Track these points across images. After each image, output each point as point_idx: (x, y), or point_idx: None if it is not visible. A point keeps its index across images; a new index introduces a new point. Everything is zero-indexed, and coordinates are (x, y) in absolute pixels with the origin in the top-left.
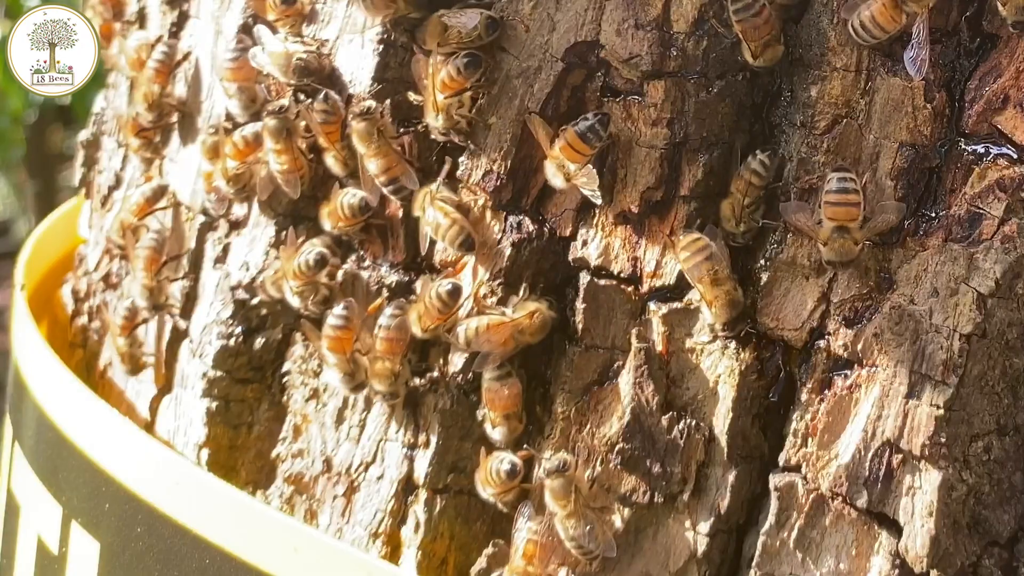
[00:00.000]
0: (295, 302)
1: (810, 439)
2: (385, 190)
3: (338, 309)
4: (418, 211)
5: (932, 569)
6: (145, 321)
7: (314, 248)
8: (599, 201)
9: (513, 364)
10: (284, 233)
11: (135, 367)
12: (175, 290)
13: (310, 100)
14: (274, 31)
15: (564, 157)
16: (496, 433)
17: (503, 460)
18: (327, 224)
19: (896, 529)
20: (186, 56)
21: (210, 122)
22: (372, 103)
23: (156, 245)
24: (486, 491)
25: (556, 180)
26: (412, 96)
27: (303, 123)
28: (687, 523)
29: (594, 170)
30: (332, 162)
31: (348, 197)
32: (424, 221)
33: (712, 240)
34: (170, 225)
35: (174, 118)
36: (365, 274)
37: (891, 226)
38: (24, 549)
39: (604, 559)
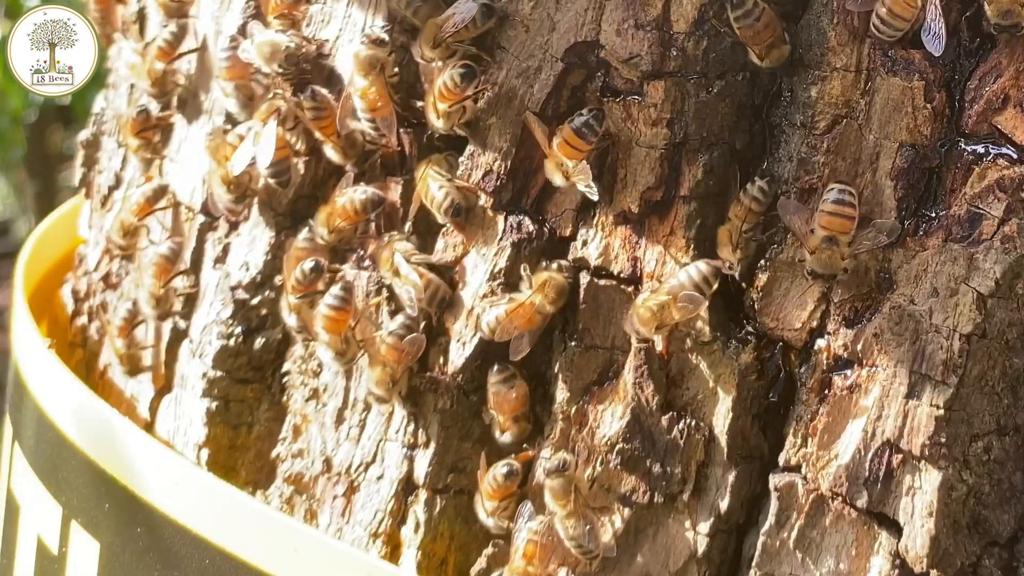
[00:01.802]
0: (291, 321)
1: (810, 439)
2: (366, 124)
3: (336, 289)
4: (419, 185)
5: (932, 569)
6: (143, 321)
7: (309, 258)
8: (595, 196)
9: (515, 364)
10: (284, 234)
11: (134, 368)
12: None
13: (300, 97)
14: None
15: (562, 155)
16: (506, 437)
17: (500, 464)
18: (322, 229)
19: (896, 529)
20: (190, 51)
21: (211, 123)
22: (387, 37)
23: (170, 255)
24: (487, 505)
25: (556, 179)
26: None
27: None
28: (687, 523)
29: (587, 165)
30: (332, 152)
31: (357, 193)
32: (418, 192)
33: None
34: (170, 226)
35: (175, 105)
36: (364, 274)
37: (880, 245)
38: (24, 549)
39: (604, 559)
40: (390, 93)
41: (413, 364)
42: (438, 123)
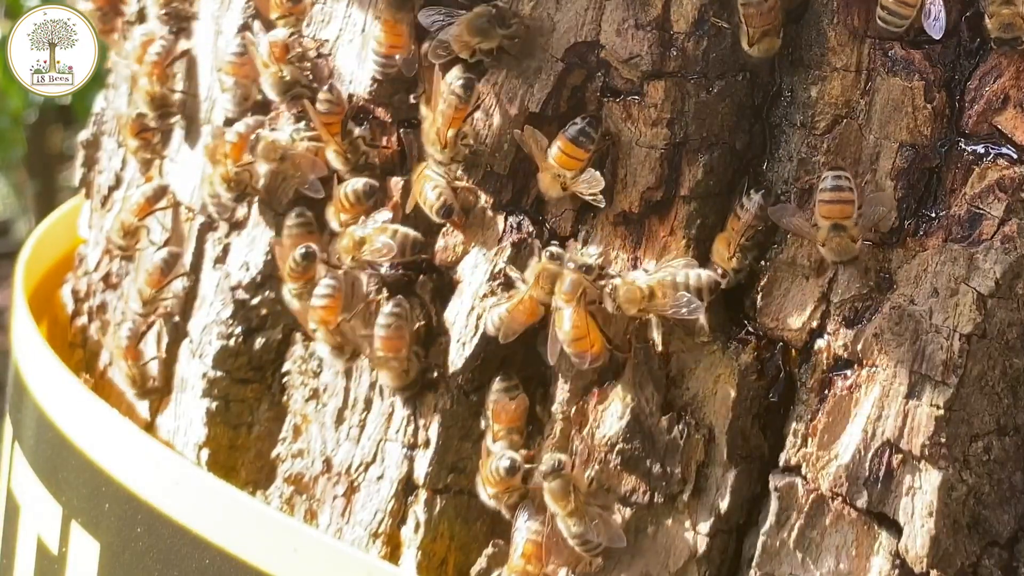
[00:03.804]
0: (294, 305)
1: (810, 439)
2: (376, 63)
3: (325, 280)
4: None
5: (932, 569)
6: (145, 333)
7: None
8: (601, 205)
9: (519, 376)
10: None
11: (145, 390)
12: (175, 288)
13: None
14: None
15: (560, 166)
16: (496, 447)
17: (503, 457)
18: (334, 222)
19: (896, 529)
20: (184, 53)
21: (209, 123)
22: None
23: (164, 266)
24: (487, 491)
25: (552, 192)
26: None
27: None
28: (687, 523)
29: (597, 172)
30: (333, 156)
31: (351, 184)
32: (413, 193)
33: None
34: (170, 226)
35: (175, 119)
36: (364, 274)
37: (884, 217)
38: (24, 549)
39: (608, 554)
40: (409, 31)
41: (416, 350)
42: (441, 154)
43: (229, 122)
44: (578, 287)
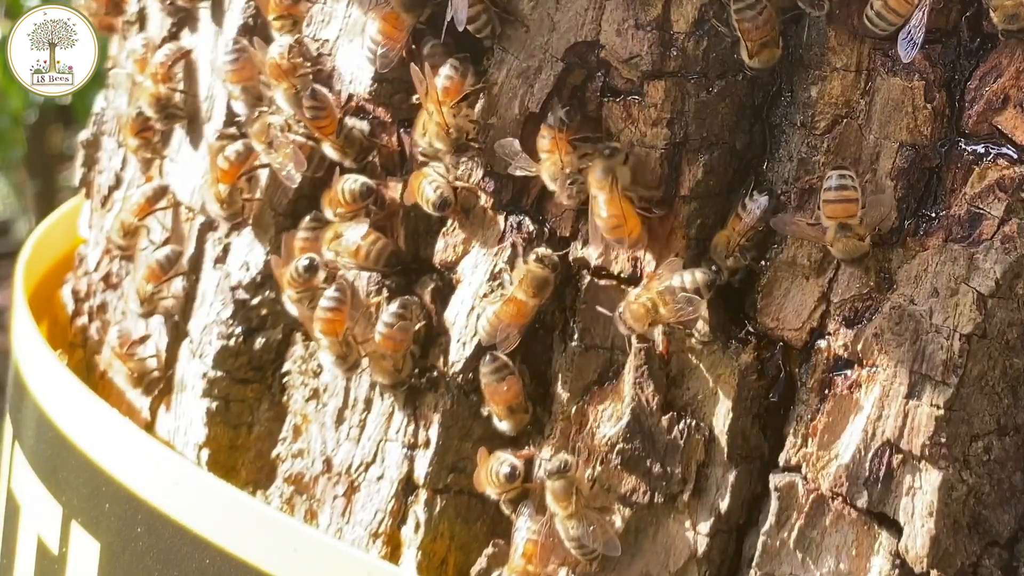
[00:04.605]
0: (294, 310)
1: (810, 439)
2: (367, 50)
3: (330, 291)
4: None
5: (932, 569)
6: (143, 340)
7: (303, 255)
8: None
9: (514, 359)
10: (283, 235)
11: (147, 385)
12: (176, 288)
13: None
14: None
15: (548, 149)
16: (503, 426)
17: (502, 462)
18: (329, 212)
19: (896, 529)
20: (186, 53)
21: (210, 123)
22: None
23: (164, 263)
24: (488, 490)
25: (553, 184)
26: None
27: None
28: (687, 523)
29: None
30: (331, 151)
31: (349, 183)
32: (411, 190)
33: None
34: (171, 226)
35: (180, 121)
36: (365, 274)
37: (885, 216)
38: (24, 549)
39: (605, 558)
40: (408, 27)
41: (413, 350)
42: (444, 141)
43: (231, 120)
44: (609, 172)
